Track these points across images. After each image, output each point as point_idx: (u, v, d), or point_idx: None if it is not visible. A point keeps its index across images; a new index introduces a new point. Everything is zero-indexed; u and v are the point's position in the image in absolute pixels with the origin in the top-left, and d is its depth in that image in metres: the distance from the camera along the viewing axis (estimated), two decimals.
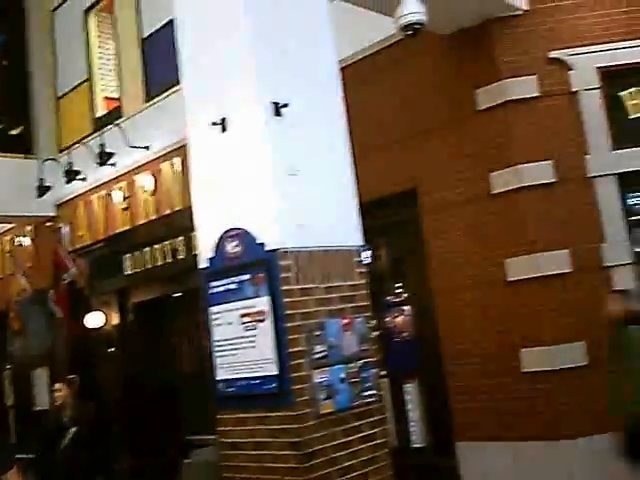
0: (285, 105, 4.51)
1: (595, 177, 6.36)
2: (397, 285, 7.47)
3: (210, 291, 4.54)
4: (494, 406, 6.27)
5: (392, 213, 7.17)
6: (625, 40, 6.49)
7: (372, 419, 4.43)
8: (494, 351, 6.34)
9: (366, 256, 4.87)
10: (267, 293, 4.24)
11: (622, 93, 6.54)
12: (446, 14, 6.31)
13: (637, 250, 6.36)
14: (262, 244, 4.32)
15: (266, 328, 4.21)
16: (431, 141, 6.86)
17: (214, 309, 4.51)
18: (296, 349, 4.18)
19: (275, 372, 4.14)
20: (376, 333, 4.91)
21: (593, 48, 6.46)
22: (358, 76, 7.08)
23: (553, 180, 6.31)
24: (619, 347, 5.22)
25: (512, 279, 6.29)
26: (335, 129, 4.85)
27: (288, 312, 4.22)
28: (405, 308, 7.36)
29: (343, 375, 4.35)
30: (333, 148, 4.82)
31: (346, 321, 4.49)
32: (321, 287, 4.45)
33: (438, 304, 6.78)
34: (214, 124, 4.63)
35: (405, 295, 7.41)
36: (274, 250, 4.27)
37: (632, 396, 5.03)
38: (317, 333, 4.29)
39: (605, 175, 6.37)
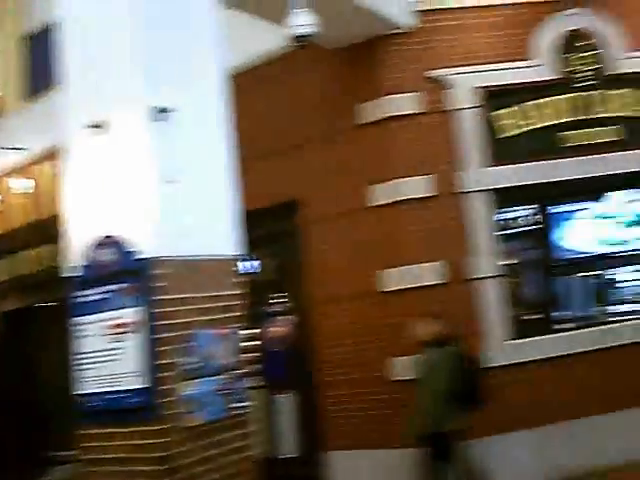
0: (168, 110, 4.44)
1: (469, 192, 6.65)
2: (278, 295, 7.52)
3: (79, 300, 4.39)
4: (365, 415, 6.44)
5: (275, 223, 7.21)
6: (502, 62, 6.82)
7: (242, 431, 4.44)
8: (366, 360, 6.50)
9: (244, 266, 4.86)
10: (139, 303, 4.14)
11: (497, 113, 6.86)
12: (335, 29, 6.40)
13: (505, 263, 6.72)
14: (136, 252, 4.22)
15: (136, 339, 4.12)
16: (314, 153, 6.97)
17: (82, 319, 4.35)
18: (167, 361, 4.11)
19: (143, 385, 4.06)
20: (253, 343, 4.93)
21: (471, 68, 6.76)
22: (247, 85, 7.04)
23: (430, 194, 6.55)
24: (422, 367, 5.52)
25: (386, 290, 6.48)
26: (220, 137, 4.81)
27: (161, 323, 4.13)
28: (285, 318, 7.43)
29: (215, 387, 4.32)
30: (216, 156, 4.77)
31: (221, 332, 4.47)
32: (197, 297, 4.40)
33: (316, 314, 6.89)
34: (93, 126, 4.49)
35: (285, 305, 7.47)
36: (148, 258, 4.18)
37: (428, 411, 5.36)
38: (190, 344, 4.25)
39: (478, 191, 6.67)
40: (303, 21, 5.27)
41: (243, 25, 6.49)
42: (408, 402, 6.19)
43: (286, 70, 7.07)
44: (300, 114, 7.07)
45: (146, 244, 4.21)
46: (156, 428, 4.02)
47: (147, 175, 4.32)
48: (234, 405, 4.42)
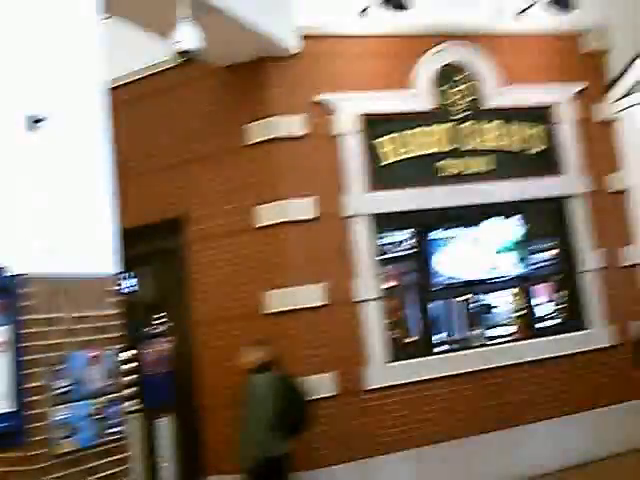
0: (41, 120, 4.22)
1: (351, 216, 6.76)
2: (158, 316, 7.29)
3: None
4: None
5: (157, 241, 7.02)
6: (384, 90, 7.03)
7: (117, 457, 4.22)
8: None
9: (123, 285, 4.68)
10: (5, 322, 3.88)
11: (378, 140, 7.03)
12: (222, 47, 6.38)
13: (386, 287, 6.85)
14: (3, 269, 3.95)
15: (3, 360, 3.84)
16: (200, 171, 6.87)
17: None
18: (36, 384, 3.86)
19: (11, 409, 3.78)
20: (130, 366, 4.73)
21: (354, 95, 6.92)
22: (130, 98, 6.90)
23: (313, 217, 6.60)
24: (246, 394, 5.57)
25: (270, 312, 6.44)
26: (97, 150, 4.62)
27: (29, 344, 3.89)
28: (165, 340, 7.20)
29: (88, 411, 4.10)
30: (93, 169, 4.58)
31: (94, 354, 4.25)
32: (69, 317, 4.17)
33: (197, 336, 6.73)
34: None
35: (166, 326, 7.25)
36: (17, 276, 3.93)
37: (253, 438, 5.39)
38: (61, 367, 4.01)
39: (360, 215, 6.79)
40: (188, 36, 5.22)
41: (133, 36, 6.33)
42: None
43: (175, 85, 6.97)
44: (188, 130, 6.97)
45: (14, 261, 3.95)
46: (25, 454, 3.76)
47: (17, 188, 4.07)
48: (109, 430, 4.21)
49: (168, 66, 6.75)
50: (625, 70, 7.92)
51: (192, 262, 6.86)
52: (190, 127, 6.96)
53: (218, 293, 6.65)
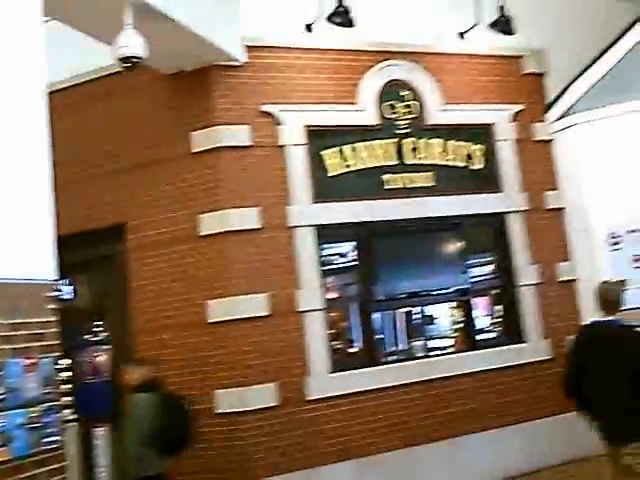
0: None
1: (295, 227, 6.78)
2: (98, 324, 7.15)
3: None
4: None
5: (98, 248, 6.88)
6: (330, 103, 7.10)
7: (51, 467, 4.10)
8: (190, 393, 6.31)
9: (60, 292, 4.57)
10: None
11: (324, 152, 7.09)
12: (168, 54, 6.32)
13: (329, 297, 6.89)
14: None
15: None
16: (144, 178, 6.79)
17: None
18: None
19: None
20: (67, 374, 4.62)
21: (301, 107, 6.96)
22: (73, 102, 6.80)
23: (257, 227, 6.59)
24: (127, 413, 5.49)
25: (212, 321, 6.39)
26: (35, 154, 4.51)
27: None
28: (104, 348, 7.07)
29: (22, 420, 3.97)
30: (31, 174, 4.46)
31: (30, 361, 4.14)
32: (5, 323, 4.06)
33: (138, 344, 6.61)
34: None
35: (105, 334, 7.11)
36: None
37: (131, 456, 5.30)
38: None
39: (304, 226, 6.82)
40: (133, 42, 5.17)
41: (78, 39, 6.21)
42: (235, 436, 6.12)
43: (119, 90, 6.87)
44: (132, 137, 6.87)
45: None
46: None
47: None
48: (46, 439, 4.09)
49: (113, 71, 6.64)
50: (562, 92, 8.22)
51: (133, 270, 6.76)
52: (134, 133, 6.87)
53: (158, 302, 6.56)
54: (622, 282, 5.49)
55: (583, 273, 7.87)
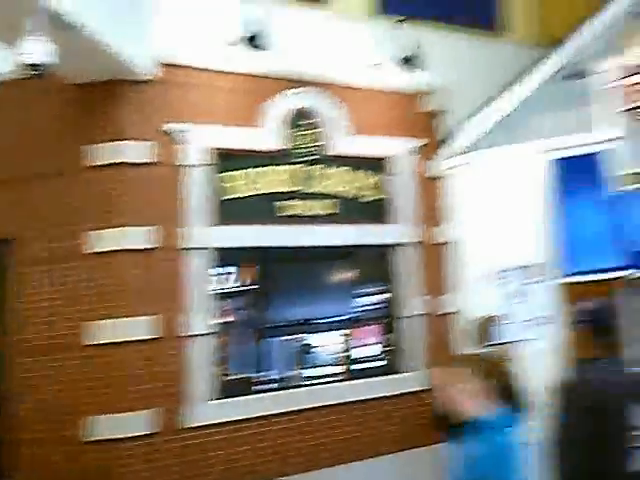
0: None
1: (189, 249, 6.65)
2: None
3: None
4: (58, 477, 5.98)
5: None
6: (234, 126, 7.02)
7: None
8: (62, 418, 6.08)
9: None
10: None
11: (225, 174, 6.99)
12: (74, 63, 6.03)
13: (218, 322, 6.82)
14: None
15: None
16: (36, 190, 6.45)
17: None
18: None
19: None
20: None
21: (204, 128, 6.83)
22: None
23: (149, 247, 6.42)
24: None
25: (92, 343, 6.17)
26: None
27: None
28: None
29: None
30: None
31: None
32: None
33: (14, 366, 6.27)
34: None
35: None
36: None
37: None
38: None
39: (198, 248, 6.70)
40: (38, 49, 4.91)
41: None
42: (107, 463, 5.94)
43: (19, 97, 6.48)
44: (27, 146, 6.51)
45: None
46: None
47: None
48: None
49: (14, 77, 6.24)
50: (455, 131, 8.52)
51: (15, 286, 6.39)
52: (30, 143, 6.51)
53: (37, 321, 6.25)
54: (492, 318, 5.75)
55: (462, 306, 8.20)
